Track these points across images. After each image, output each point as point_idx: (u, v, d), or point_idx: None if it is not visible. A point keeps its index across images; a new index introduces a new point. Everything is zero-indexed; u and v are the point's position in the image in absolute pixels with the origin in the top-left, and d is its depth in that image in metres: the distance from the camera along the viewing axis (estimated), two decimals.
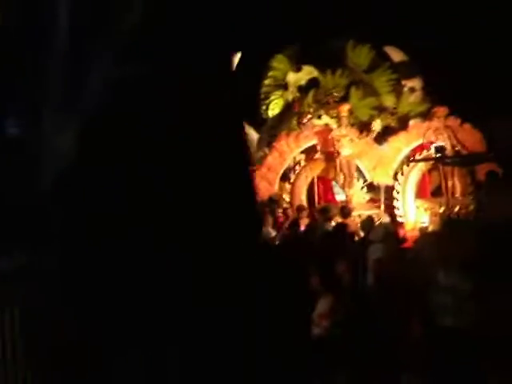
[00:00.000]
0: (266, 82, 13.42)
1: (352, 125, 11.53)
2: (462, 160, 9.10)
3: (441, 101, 12.29)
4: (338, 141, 11.03)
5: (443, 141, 11.45)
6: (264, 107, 13.46)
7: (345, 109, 11.34)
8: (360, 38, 13.44)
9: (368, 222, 8.58)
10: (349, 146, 11.17)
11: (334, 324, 4.13)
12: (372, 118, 13.26)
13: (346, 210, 9.26)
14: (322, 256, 6.31)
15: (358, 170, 11.80)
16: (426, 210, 11.71)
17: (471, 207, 11.03)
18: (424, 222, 11.36)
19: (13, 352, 1.04)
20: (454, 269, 5.26)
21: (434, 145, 11.22)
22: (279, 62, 13.40)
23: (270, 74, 13.39)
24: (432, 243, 6.68)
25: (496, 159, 10.22)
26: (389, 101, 13.50)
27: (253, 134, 14.07)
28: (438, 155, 9.80)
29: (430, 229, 10.89)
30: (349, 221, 10.57)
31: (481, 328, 4.08)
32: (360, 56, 13.40)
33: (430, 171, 12.75)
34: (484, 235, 7.02)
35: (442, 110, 11.75)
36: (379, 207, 11.98)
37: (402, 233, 11.14)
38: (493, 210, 8.74)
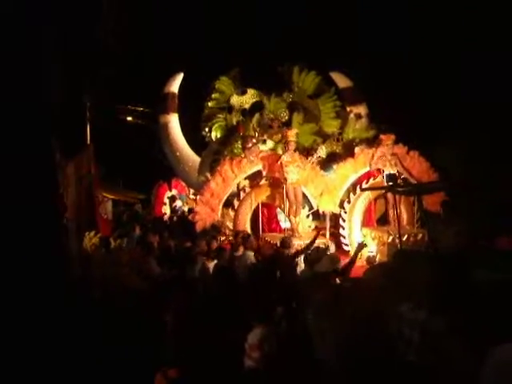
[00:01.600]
0: (209, 104, 12.92)
1: (295, 150, 11.14)
2: (417, 189, 8.84)
3: (386, 128, 12.14)
4: (286, 166, 10.57)
5: (390, 168, 11.27)
6: (207, 129, 12.94)
7: (293, 133, 10.93)
8: (306, 62, 13.22)
9: (316, 254, 8.14)
10: (295, 172, 10.75)
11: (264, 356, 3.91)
12: (316, 144, 13.01)
13: (286, 241, 8.74)
14: (253, 287, 6.31)
15: (304, 197, 11.39)
16: (373, 238, 11.42)
17: (419, 236, 10.85)
18: (371, 252, 11.05)
19: None
20: (408, 300, 4.96)
21: (386, 172, 11.00)
22: (223, 84, 12.95)
23: (214, 96, 12.90)
24: (385, 274, 6.36)
25: (449, 189, 10.10)
26: (333, 126, 13.30)
27: (194, 158, 13.55)
28: (389, 183, 9.54)
29: (378, 258, 10.62)
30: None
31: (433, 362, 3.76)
32: (306, 81, 13.16)
33: (375, 199, 12.58)
34: (439, 266, 6.74)
35: (389, 138, 11.57)
36: (324, 235, 11.60)
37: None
38: (448, 239, 8.57)
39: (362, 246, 7.71)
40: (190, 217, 11.48)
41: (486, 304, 3.89)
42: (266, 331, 4.12)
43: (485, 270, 5.73)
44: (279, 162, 10.69)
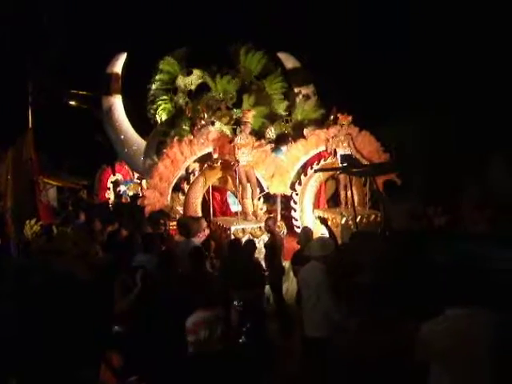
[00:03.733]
0: (154, 85, 12.48)
1: (250, 133, 10.90)
2: (373, 170, 8.78)
3: (337, 109, 12.04)
4: (239, 149, 10.30)
5: (343, 149, 11.18)
6: (152, 111, 12.52)
7: (250, 115, 10.62)
8: (253, 43, 12.94)
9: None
10: (248, 154, 10.49)
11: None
12: (265, 126, 12.81)
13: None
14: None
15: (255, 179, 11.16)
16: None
17: (372, 217, 10.82)
18: (324, 234, 10.94)
19: None
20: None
21: (341, 153, 10.90)
22: (167, 65, 12.54)
23: (158, 76, 12.47)
24: (343, 256, 6.25)
25: (401, 169, 10.08)
26: (281, 108, 13.11)
27: (139, 141, 13.13)
28: (344, 164, 9.41)
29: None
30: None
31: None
32: (252, 61, 12.88)
33: (325, 181, 12.50)
34: (393, 246, 6.73)
35: (345, 118, 11.45)
36: (276, 218, 11.43)
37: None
38: (400, 219, 8.55)
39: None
40: (138, 202, 11.05)
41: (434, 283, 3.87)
42: (206, 315, 3.90)
43: (437, 251, 5.71)
44: (232, 144, 10.41)
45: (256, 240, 9.51)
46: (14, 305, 4.99)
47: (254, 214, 10.58)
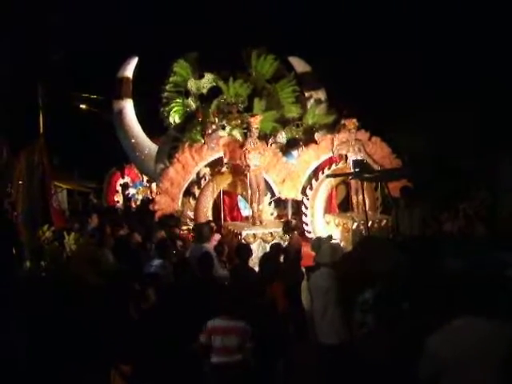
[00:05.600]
0: (167, 87, 12.48)
1: (257, 137, 10.89)
2: (385, 175, 8.74)
3: (348, 113, 11.98)
4: (249, 153, 10.30)
5: (354, 154, 11.14)
6: (165, 114, 12.52)
7: (257, 120, 10.64)
8: (265, 47, 12.90)
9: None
10: (258, 158, 10.49)
11: None
12: (276, 130, 12.77)
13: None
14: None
15: (266, 184, 11.14)
16: (337, 225, 11.29)
17: (383, 222, 10.76)
18: (335, 239, 10.90)
19: None
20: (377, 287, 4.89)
21: (352, 158, 10.86)
22: (180, 67, 12.52)
23: (172, 79, 12.47)
24: (355, 262, 6.21)
25: (411, 175, 10.04)
26: (293, 112, 13.04)
27: (150, 145, 13.14)
28: (356, 169, 9.38)
29: (343, 245, 10.49)
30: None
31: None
32: (264, 65, 12.84)
33: (337, 185, 12.46)
34: (406, 253, 6.66)
35: (351, 122, 11.41)
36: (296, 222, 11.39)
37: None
38: (412, 225, 8.51)
39: None
40: (150, 207, 11.07)
41: (449, 290, 3.82)
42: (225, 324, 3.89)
43: (451, 257, 5.67)
44: (242, 149, 10.41)
45: (267, 245, 9.51)
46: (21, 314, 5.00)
47: (259, 218, 10.54)
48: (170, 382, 4.62)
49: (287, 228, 8.87)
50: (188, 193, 11.15)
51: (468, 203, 9.88)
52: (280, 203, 12.48)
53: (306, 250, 10.79)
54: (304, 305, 6.18)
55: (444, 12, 13.37)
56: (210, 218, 10.96)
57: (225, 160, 10.89)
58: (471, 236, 8.69)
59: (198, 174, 11.40)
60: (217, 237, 9.05)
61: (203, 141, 11.34)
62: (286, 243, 9.24)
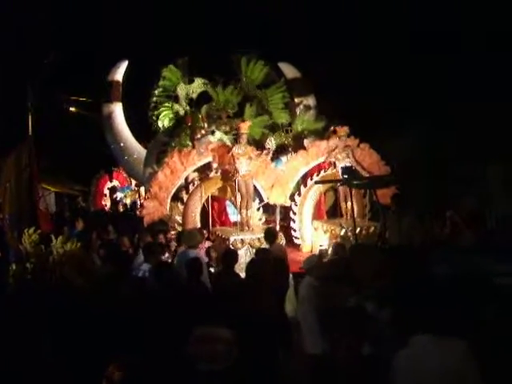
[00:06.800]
0: (156, 91, 12.45)
1: (247, 142, 10.90)
2: (374, 182, 8.76)
3: (338, 120, 12.04)
4: (238, 159, 10.30)
5: (343, 160, 11.19)
6: (154, 118, 12.49)
7: (246, 126, 10.67)
8: (255, 52, 12.92)
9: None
10: (246, 164, 10.49)
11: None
12: (265, 136, 12.78)
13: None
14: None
15: (254, 189, 11.13)
16: (325, 231, 11.31)
17: (371, 229, 10.79)
18: (322, 245, 10.93)
19: None
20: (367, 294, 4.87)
21: (341, 165, 10.90)
22: (170, 72, 12.50)
23: (161, 83, 12.44)
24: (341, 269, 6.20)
25: (402, 182, 10.09)
26: (283, 118, 13.05)
27: (139, 149, 13.12)
28: (345, 176, 9.39)
29: (330, 252, 10.48)
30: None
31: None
32: (254, 71, 12.85)
33: (325, 192, 12.49)
34: (394, 259, 6.66)
35: (342, 130, 11.46)
36: (275, 229, 11.40)
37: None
38: (401, 232, 8.53)
39: None
40: (137, 211, 11.04)
41: (437, 297, 3.81)
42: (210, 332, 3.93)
43: (439, 265, 5.69)
44: (230, 154, 10.41)
45: (255, 251, 9.48)
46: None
47: (247, 224, 10.54)
48: None
49: (268, 235, 8.66)
50: (176, 197, 11.12)
51: (455, 210, 9.90)
52: (268, 209, 12.50)
53: (294, 255, 10.85)
54: (288, 312, 6.16)
55: (435, 15, 13.46)
56: (199, 223, 10.93)
57: (214, 165, 10.87)
58: (458, 244, 8.72)
59: (186, 178, 11.38)
60: (206, 244, 9.03)
61: (192, 145, 11.32)
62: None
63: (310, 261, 5.82)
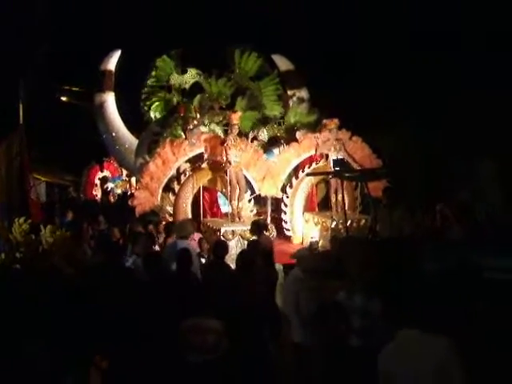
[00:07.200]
0: (149, 81, 12.40)
1: (238, 134, 10.89)
2: (365, 175, 8.77)
3: (329, 113, 12.04)
4: (229, 149, 10.29)
5: (335, 153, 11.20)
6: (145, 108, 12.44)
7: (237, 116, 10.66)
8: (248, 44, 12.88)
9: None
10: (238, 155, 10.48)
11: None
12: (257, 128, 12.77)
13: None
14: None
15: (246, 181, 11.14)
16: (316, 223, 11.33)
17: (362, 222, 10.82)
18: (313, 237, 10.94)
19: None
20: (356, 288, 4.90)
21: (333, 157, 10.91)
22: (163, 62, 12.44)
23: (154, 73, 12.39)
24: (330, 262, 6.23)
25: (393, 175, 10.11)
26: (275, 110, 13.04)
27: (131, 139, 13.08)
28: (336, 168, 9.41)
29: (320, 244, 10.53)
30: None
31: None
32: (247, 63, 12.81)
33: (317, 184, 12.50)
34: (384, 252, 6.70)
35: (332, 122, 11.47)
36: (266, 220, 11.42)
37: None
38: (391, 225, 8.55)
39: None
40: (129, 202, 11.01)
41: (426, 291, 3.82)
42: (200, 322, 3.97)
43: (429, 258, 5.72)
44: (219, 145, 10.43)
45: (246, 242, 9.52)
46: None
47: (239, 215, 10.55)
48: (147, 378, 4.59)
49: (255, 228, 8.61)
50: (168, 188, 11.11)
51: (446, 204, 9.93)
52: (260, 200, 12.49)
53: (285, 247, 10.89)
54: (279, 303, 6.19)
55: (433, 13, 13.44)
56: (190, 214, 10.93)
57: (205, 156, 10.86)
58: (448, 237, 8.75)
59: (178, 169, 11.37)
60: (196, 235, 9.01)
61: (184, 136, 11.30)
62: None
63: (300, 253, 5.84)
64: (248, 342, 4.97)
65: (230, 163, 10.29)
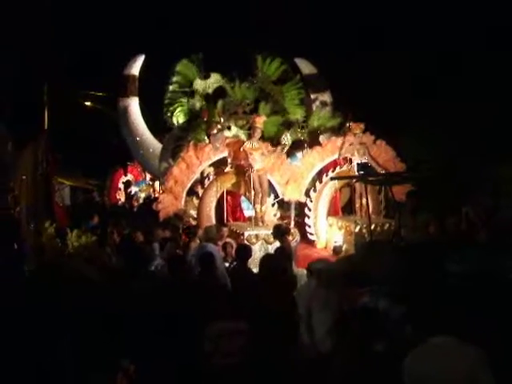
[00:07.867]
0: (171, 87, 12.45)
1: (260, 138, 10.89)
2: (389, 179, 8.71)
3: (352, 116, 11.97)
4: (251, 154, 10.30)
5: (359, 157, 11.13)
6: (169, 114, 12.48)
7: (261, 120, 10.67)
8: (271, 48, 12.86)
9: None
10: (261, 159, 10.48)
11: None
12: (281, 132, 12.73)
13: None
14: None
15: (269, 185, 11.13)
16: (339, 228, 11.25)
17: (386, 226, 10.72)
18: (336, 242, 10.89)
19: None
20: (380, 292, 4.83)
21: (357, 161, 10.85)
22: (185, 67, 12.48)
23: (175, 79, 12.43)
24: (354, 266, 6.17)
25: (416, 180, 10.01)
26: (298, 114, 12.97)
27: (155, 143, 13.16)
28: (361, 172, 9.35)
29: (344, 248, 10.48)
30: None
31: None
32: (270, 67, 12.78)
33: (341, 188, 12.43)
34: (408, 257, 6.61)
35: (358, 126, 11.40)
36: (289, 224, 11.38)
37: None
38: (416, 229, 8.46)
39: None
40: (153, 206, 11.08)
41: (453, 296, 3.75)
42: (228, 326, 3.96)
43: (455, 263, 5.62)
44: (242, 149, 10.44)
45: (269, 246, 9.52)
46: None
47: (262, 219, 10.54)
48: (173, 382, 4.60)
49: (276, 231, 8.61)
50: (192, 192, 11.16)
51: (471, 207, 9.80)
52: (283, 205, 12.45)
53: (308, 251, 10.84)
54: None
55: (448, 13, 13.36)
56: (213, 218, 10.96)
57: (229, 160, 10.88)
58: (475, 241, 8.63)
59: (201, 173, 11.42)
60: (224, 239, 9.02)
61: (208, 140, 11.33)
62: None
63: (316, 265, 5.77)
64: (269, 346, 4.96)
65: (253, 167, 10.29)
